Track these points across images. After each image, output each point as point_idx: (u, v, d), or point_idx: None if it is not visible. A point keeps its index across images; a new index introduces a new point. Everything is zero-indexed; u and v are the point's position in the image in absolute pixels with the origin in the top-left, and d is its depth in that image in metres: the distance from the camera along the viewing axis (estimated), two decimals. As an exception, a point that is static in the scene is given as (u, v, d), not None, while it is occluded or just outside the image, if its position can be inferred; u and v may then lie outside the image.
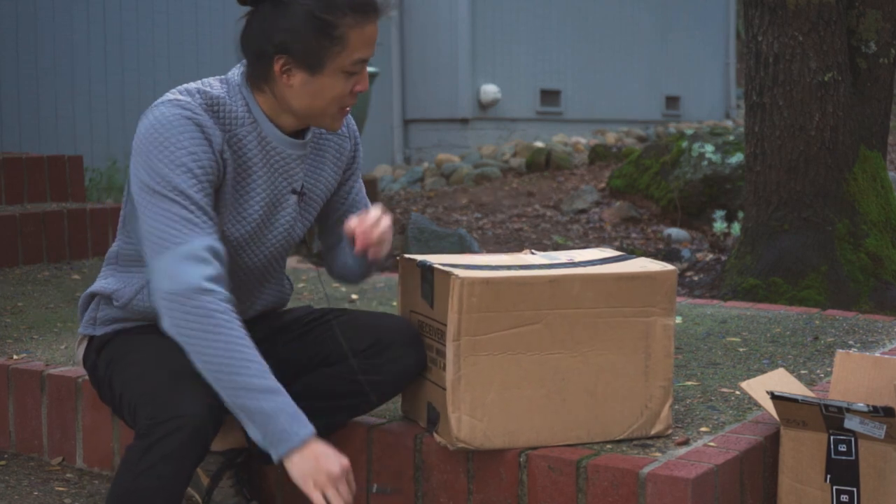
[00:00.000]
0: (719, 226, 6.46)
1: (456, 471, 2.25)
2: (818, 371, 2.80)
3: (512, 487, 2.18)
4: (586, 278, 2.16)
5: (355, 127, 2.37)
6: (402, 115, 10.34)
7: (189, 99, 2.09)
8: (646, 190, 7.30)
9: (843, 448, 2.14)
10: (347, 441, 2.39)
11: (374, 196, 7.20)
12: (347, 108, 2.17)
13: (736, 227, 6.25)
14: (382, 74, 9.09)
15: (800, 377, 2.70)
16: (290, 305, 2.48)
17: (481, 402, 2.14)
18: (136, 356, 2.16)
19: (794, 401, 2.15)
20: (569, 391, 2.18)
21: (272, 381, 1.98)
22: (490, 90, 10.29)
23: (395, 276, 4.18)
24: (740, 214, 5.94)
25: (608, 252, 2.37)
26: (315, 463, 1.96)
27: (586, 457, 2.13)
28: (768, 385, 2.29)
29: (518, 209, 7.75)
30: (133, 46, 7.68)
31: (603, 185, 7.96)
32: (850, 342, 3.12)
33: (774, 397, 2.17)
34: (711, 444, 2.20)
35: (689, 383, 2.68)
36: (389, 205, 7.95)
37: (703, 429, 2.31)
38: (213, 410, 1.99)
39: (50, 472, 2.75)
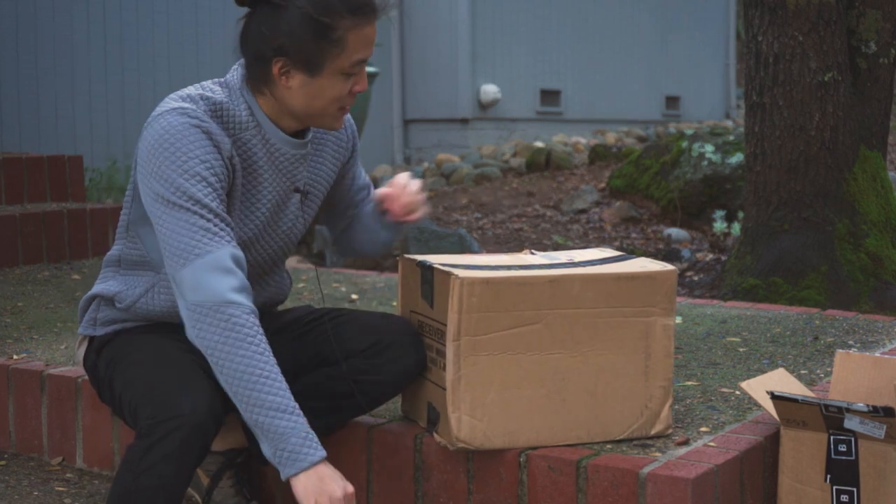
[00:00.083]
0: (719, 226, 6.46)
1: (456, 471, 2.25)
2: (818, 371, 2.80)
3: (512, 487, 2.18)
4: (586, 278, 2.16)
5: (350, 118, 2.38)
6: (402, 115, 10.34)
7: (194, 106, 2.09)
8: (646, 190, 7.30)
9: (843, 448, 2.15)
10: (347, 441, 2.39)
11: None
12: (347, 108, 2.17)
13: (736, 227, 6.25)
14: (382, 75, 9.09)
15: (800, 377, 2.70)
16: (290, 305, 2.49)
17: (481, 402, 2.14)
18: (137, 356, 2.17)
19: (794, 401, 2.15)
20: (569, 391, 2.18)
21: (289, 401, 1.99)
22: (490, 90, 10.29)
23: (395, 276, 4.18)
24: (740, 214, 5.94)
25: (608, 252, 2.37)
26: (320, 484, 1.97)
27: (586, 457, 2.13)
28: (768, 385, 2.29)
29: (518, 209, 7.75)
30: (133, 46, 7.68)
31: (603, 185, 7.96)
32: (850, 342, 3.12)
33: (774, 397, 2.17)
34: (711, 444, 2.20)
35: (689, 383, 2.68)
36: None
37: (703, 429, 2.31)
38: (214, 410, 2.00)
39: (50, 472, 2.75)
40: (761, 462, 2.25)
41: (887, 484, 2.12)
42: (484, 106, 10.33)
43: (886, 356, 2.30)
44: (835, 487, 2.16)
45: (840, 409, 2.10)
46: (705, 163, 6.99)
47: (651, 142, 9.60)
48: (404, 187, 2.33)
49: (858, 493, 2.15)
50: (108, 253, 2.30)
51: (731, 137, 7.15)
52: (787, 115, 4.30)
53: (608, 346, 2.19)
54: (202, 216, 2.03)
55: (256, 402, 1.98)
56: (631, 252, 5.76)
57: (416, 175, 9.31)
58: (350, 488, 2.00)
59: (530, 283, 2.14)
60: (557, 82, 11.13)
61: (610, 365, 2.19)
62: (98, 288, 2.27)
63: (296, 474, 1.97)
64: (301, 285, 4.12)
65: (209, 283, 2.00)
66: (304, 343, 2.32)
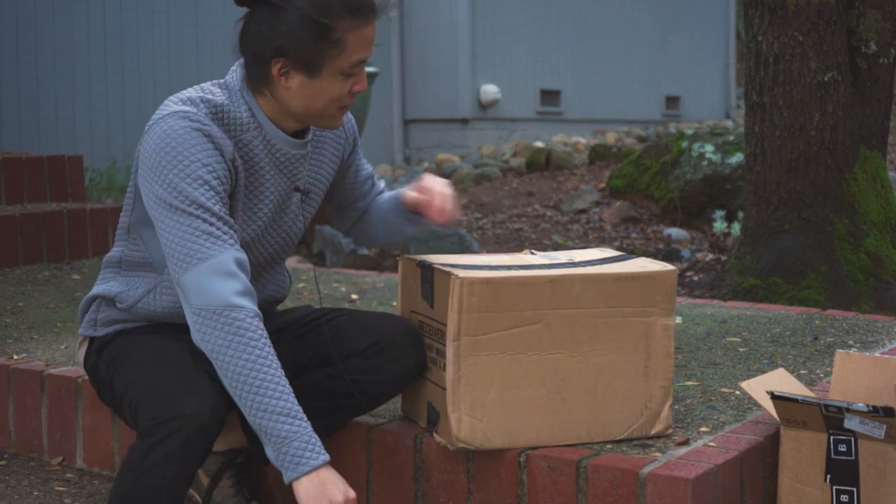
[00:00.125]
0: (719, 226, 6.46)
1: (456, 471, 2.25)
2: (818, 371, 2.80)
3: (512, 487, 2.18)
4: (586, 278, 2.16)
5: (349, 113, 2.38)
6: (402, 116, 10.34)
7: (194, 109, 2.09)
8: (646, 190, 7.30)
9: (843, 448, 2.15)
10: (347, 441, 2.39)
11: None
12: (347, 108, 2.18)
13: (736, 227, 6.25)
14: (382, 75, 9.09)
15: (800, 377, 2.70)
16: (290, 305, 2.49)
17: (481, 402, 2.14)
18: (138, 356, 2.17)
19: (794, 401, 2.15)
20: (569, 391, 2.18)
21: (293, 405, 2.00)
22: (490, 90, 10.29)
23: (395, 276, 4.18)
24: (740, 214, 5.94)
25: (608, 252, 2.37)
26: (321, 488, 1.98)
27: (586, 457, 2.13)
28: (768, 385, 2.29)
29: (518, 209, 7.75)
30: (133, 46, 7.68)
31: (603, 185, 7.96)
32: (850, 342, 3.12)
33: (774, 397, 2.17)
34: (711, 444, 2.20)
35: (689, 383, 2.68)
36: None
37: (703, 429, 2.31)
38: (217, 410, 2.00)
39: (50, 472, 2.75)
40: (761, 462, 2.25)
41: (887, 484, 2.12)
42: (484, 106, 10.33)
43: (886, 356, 2.30)
44: (835, 487, 2.16)
45: (840, 409, 2.10)
46: (705, 163, 6.99)
47: (651, 142, 9.60)
48: (440, 194, 2.30)
49: (858, 493, 2.15)
50: (108, 254, 2.30)
51: (731, 137, 7.15)
52: (787, 115, 4.30)
53: (608, 346, 2.19)
54: (205, 220, 2.03)
55: (260, 405, 1.98)
56: (631, 252, 5.76)
57: (416, 175, 9.30)
58: (352, 493, 2.00)
59: (530, 283, 2.14)
60: (557, 82, 11.13)
61: (610, 365, 2.19)
62: (99, 288, 2.27)
63: (298, 478, 1.98)
64: (301, 285, 4.12)
65: (213, 287, 2.00)
66: (303, 343, 2.32)
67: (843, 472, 2.15)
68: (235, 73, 2.19)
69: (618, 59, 11.77)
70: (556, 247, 6.38)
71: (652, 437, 2.24)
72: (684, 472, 2.04)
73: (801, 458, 2.19)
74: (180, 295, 2.05)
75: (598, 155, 9.36)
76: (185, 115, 2.07)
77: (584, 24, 11.38)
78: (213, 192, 2.05)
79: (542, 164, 9.25)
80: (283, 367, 2.09)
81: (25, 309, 3.67)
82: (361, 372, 2.24)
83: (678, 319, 3.39)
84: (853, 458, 2.14)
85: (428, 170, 9.57)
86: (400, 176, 9.64)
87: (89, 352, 2.29)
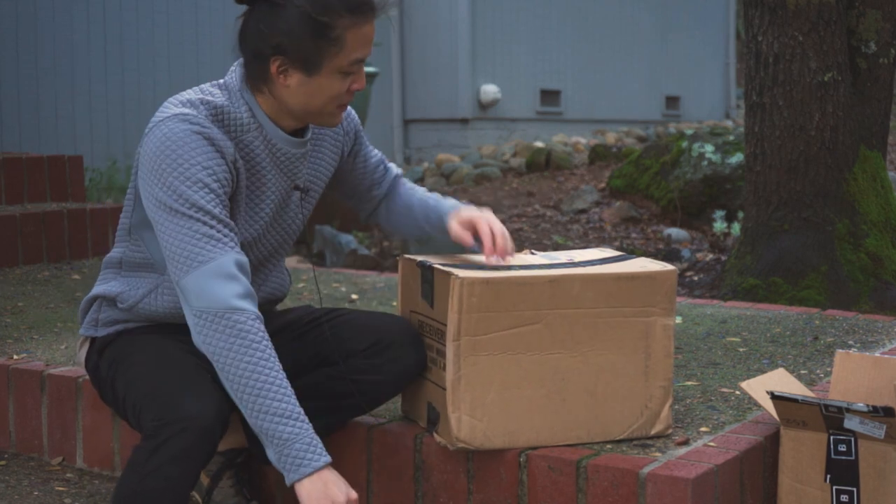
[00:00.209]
0: (719, 226, 6.46)
1: (456, 471, 2.25)
2: (818, 371, 2.80)
3: (512, 487, 2.18)
4: (586, 278, 2.16)
5: (350, 109, 2.38)
6: (402, 115, 10.34)
7: (194, 112, 2.09)
8: (646, 190, 7.30)
9: (843, 448, 2.15)
10: (347, 441, 2.39)
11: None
12: (345, 106, 2.18)
13: (736, 227, 6.25)
14: (382, 74, 9.09)
15: (800, 377, 2.70)
16: (290, 305, 2.49)
17: (481, 402, 2.14)
18: (140, 357, 2.17)
19: (794, 401, 2.15)
20: (569, 391, 2.18)
21: (294, 406, 2.00)
22: (490, 90, 10.29)
23: (395, 276, 4.18)
24: (740, 214, 5.94)
25: (608, 252, 2.37)
26: (323, 489, 1.98)
27: (586, 457, 2.13)
28: (768, 385, 2.29)
29: (518, 209, 7.75)
30: (133, 46, 7.68)
31: (603, 185, 7.96)
32: (850, 342, 3.12)
33: (774, 397, 2.17)
34: (711, 444, 2.20)
35: (689, 383, 2.68)
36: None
37: (703, 429, 2.31)
38: (221, 411, 2.00)
39: (50, 472, 2.75)
40: (761, 462, 2.25)
41: (887, 484, 2.12)
42: (484, 106, 10.33)
43: (886, 356, 2.30)
44: (835, 487, 2.16)
45: (840, 409, 2.10)
46: (705, 163, 6.99)
47: (651, 142, 9.60)
48: (501, 236, 2.22)
49: (858, 493, 2.15)
50: (109, 255, 2.30)
51: (731, 137, 7.15)
52: (787, 115, 4.30)
53: (608, 346, 2.19)
54: (205, 223, 2.03)
55: (262, 408, 1.98)
56: (631, 252, 5.76)
57: (416, 175, 9.31)
58: (353, 494, 2.00)
59: (530, 283, 2.14)
60: (557, 82, 11.13)
61: (610, 365, 2.19)
62: (99, 288, 2.27)
63: (300, 479, 1.98)
64: (301, 285, 4.12)
65: (213, 290, 2.00)
66: (303, 343, 2.32)
67: (843, 472, 2.15)
68: (235, 73, 2.19)
69: (618, 59, 11.77)
70: (556, 247, 6.39)
71: (652, 437, 2.24)
72: (684, 472, 2.04)
73: (801, 458, 2.19)
74: (181, 297, 2.05)
75: (598, 155, 9.36)
76: (185, 117, 2.07)
77: (584, 24, 11.38)
78: (213, 195, 2.05)
79: (542, 164, 9.25)
80: (283, 367, 2.10)
81: (25, 309, 3.67)
82: (361, 372, 2.24)
83: (678, 319, 3.39)
84: (853, 458, 2.14)
85: (428, 170, 9.57)
86: (400, 176, 9.63)
87: (90, 352, 2.29)
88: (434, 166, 9.75)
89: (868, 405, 2.08)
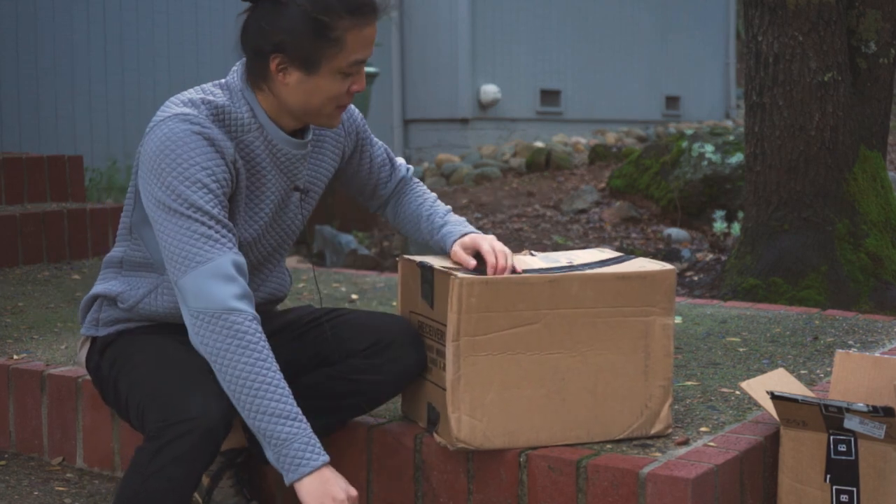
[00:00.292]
0: (719, 226, 6.46)
1: (456, 471, 2.25)
2: (818, 371, 2.80)
3: (512, 487, 2.18)
4: (585, 278, 2.16)
5: (353, 108, 2.38)
6: (402, 115, 10.34)
7: (195, 112, 2.09)
8: (646, 190, 7.30)
9: (842, 448, 2.15)
10: (347, 441, 2.39)
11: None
12: (344, 107, 2.17)
13: (736, 227, 6.25)
14: (382, 74, 9.09)
15: (800, 377, 2.70)
16: (290, 305, 2.49)
17: (481, 402, 2.14)
18: (142, 357, 2.17)
19: (794, 401, 2.15)
20: (568, 391, 2.18)
21: (292, 407, 2.00)
22: (490, 90, 10.29)
23: (395, 276, 4.18)
24: (740, 214, 5.94)
25: (607, 253, 2.37)
26: (323, 487, 1.98)
27: (586, 457, 2.13)
28: (768, 385, 2.29)
29: (518, 209, 7.76)
30: (133, 46, 7.68)
31: (603, 185, 7.96)
32: (850, 342, 3.12)
33: (774, 397, 2.17)
34: (711, 444, 2.20)
35: (689, 383, 2.68)
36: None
37: (703, 429, 2.31)
38: (225, 412, 2.00)
39: (50, 472, 2.75)
40: (761, 462, 2.25)
41: (887, 484, 2.12)
42: (484, 106, 10.33)
43: (886, 356, 2.30)
44: (835, 487, 2.16)
45: (840, 409, 2.10)
46: (705, 163, 6.99)
47: (651, 142, 9.60)
48: (502, 256, 2.19)
49: (858, 493, 2.15)
50: (109, 254, 2.30)
51: (731, 137, 7.15)
52: (787, 115, 4.30)
53: (608, 345, 2.19)
54: (203, 223, 2.03)
55: (259, 408, 1.98)
56: (631, 252, 5.76)
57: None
58: (353, 491, 2.00)
59: (530, 283, 2.14)
60: (557, 82, 11.13)
61: (609, 365, 2.19)
62: (100, 288, 2.27)
63: (299, 479, 1.98)
64: (301, 285, 4.12)
65: (211, 291, 2.00)
66: (303, 343, 2.32)
67: (843, 472, 2.15)
68: (236, 73, 2.19)
69: (618, 59, 11.78)
70: (556, 247, 6.39)
71: (652, 437, 2.24)
72: (684, 472, 2.04)
73: (801, 458, 2.19)
74: (178, 297, 2.05)
75: (598, 155, 9.36)
76: (186, 117, 2.07)
77: (584, 24, 11.38)
78: (212, 196, 2.05)
79: (542, 164, 9.25)
80: (283, 366, 2.09)
81: (25, 309, 3.67)
82: (361, 372, 2.24)
83: (678, 319, 3.39)
84: (853, 458, 2.14)
85: (428, 170, 9.57)
86: (400, 176, 9.63)
87: (91, 352, 2.29)
88: (434, 166, 9.75)
89: (868, 405, 2.08)
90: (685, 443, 2.21)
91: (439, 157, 9.86)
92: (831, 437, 2.15)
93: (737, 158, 6.84)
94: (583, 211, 7.46)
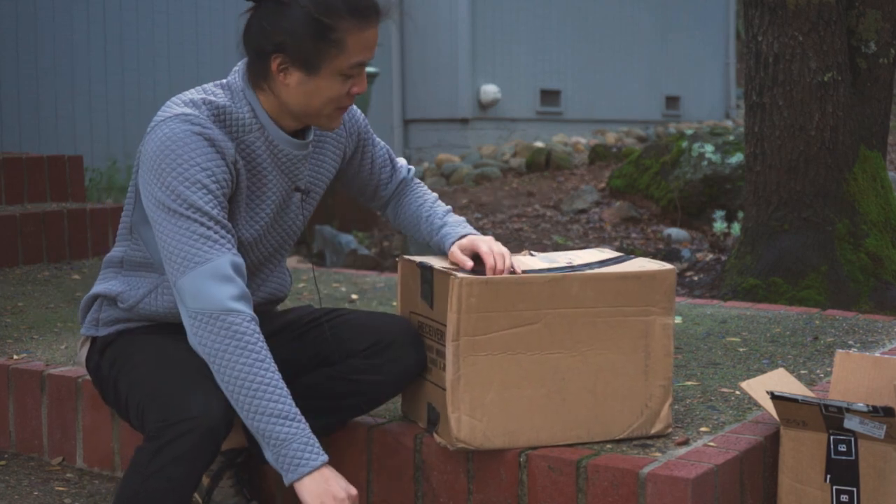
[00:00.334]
0: (719, 226, 6.46)
1: (456, 471, 2.25)
2: (818, 371, 2.80)
3: (512, 487, 2.18)
4: (585, 278, 2.16)
5: (356, 109, 2.38)
6: (402, 115, 10.34)
7: (196, 112, 2.09)
8: (646, 190, 7.30)
9: (843, 448, 2.15)
10: (347, 441, 2.39)
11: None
12: (345, 109, 2.17)
13: (736, 227, 6.25)
14: (382, 74, 9.09)
15: (800, 377, 2.70)
16: (290, 305, 2.49)
17: (481, 401, 2.14)
18: (142, 357, 2.17)
19: (794, 401, 2.15)
20: (569, 391, 2.18)
21: (290, 407, 2.00)
22: (490, 90, 10.29)
23: (395, 276, 4.18)
24: (740, 214, 5.94)
25: (607, 253, 2.37)
26: (324, 486, 1.98)
27: (586, 457, 2.13)
28: (768, 385, 2.29)
29: (518, 209, 7.76)
30: (133, 46, 7.68)
31: (603, 185, 7.96)
32: (850, 342, 3.12)
33: (774, 397, 2.17)
34: (711, 444, 2.20)
35: (689, 383, 2.68)
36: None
37: (703, 429, 2.31)
38: (225, 411, 2.01)
39: (50, 472, 2.75)
40: (761, 462, 2.25)
41: (887, 484, 2.12)
42: (484, 106, 10.33)
43: (886, 356, 2.30)
44: (835, 487, 2.16)
45: (840, 409, 2.10)
46: (705, 163, 6.99)
47: (651, 142, 9.60)
48: (500, 258, 2.19)
49: (858, 493, 2.15)
50: (109, 254, 2.30)
51: (731, 137, 7.15)
52: (787, 115, 4.30)
53: (608, 345, 2.19)
54: (202, 224, 2.03)
55: (258, 409, 1.99)
56: (630, 252, 5.76)
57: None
58: (353, 490, 2.01)
59: (529, 283, 2.14)
60: (557, 82, 11.13)
61: (610, 364, 2.19)
62: (100, 287, 2.27)
63: (299, 479, 1.98)
64: (301, 285, 4.12)
65: (209, 291, 2.00)
66: (303, 343, 2.32)
67: (843, 472, 2.15)
68: (238, 73, 2.19)
69: (618, 59, 11.78)
70: (556, 247, 6.39)
71: (652, 437, 2.24)
72: (684, 472, 2.04)
73: (801, 458, 2.19)
74: (177, 298, 2.05)
75: (598, 155, 9.36)
76: (187, 118, 2.08)
77: (584, 24, 11.38)
78: (211, 197, 2.05)
79: (542, 164, 9.25)
80: (283, 366, 2.09)
81: (25, 309, 3.67)
82: (361, 372, 2.24)
83: (678, 319, 3.39)
84: (853, 458, 2.14)
85: (428, 170, 9.57)
86: (400, 176, 9.62)
87: (91, 352, 2.29)
88: (434, 166, 9.75)
89: (868, 405, 2.08)
90: (685, 443, 2.21)
91: (439, 157, 9.86)
92: (831, 437, 2.15)
93: (737, 158, 6.84)
94: (583, 211, 7.46)
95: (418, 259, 2.28)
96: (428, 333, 2.24)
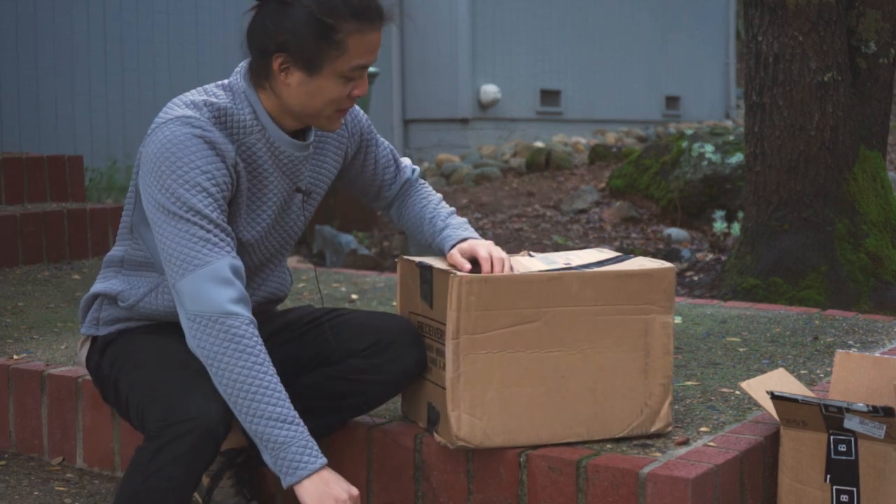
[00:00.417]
0: (719, 226, 6.46)
1: (456, 471, 2.25)
2: (818, 371, 2.80)
3: (512, 487, 2.18)
4: (585, 276, 2.16)
5: (358, 110, 2.38)
6: (402, 115, 10.34)
7: (197, 114, 2.09)
8: (646, 190, 7.30)
9: (842, 448, 2.15)
10: (347, 441, 2.39)
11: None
12: (345, 111, 2.17)
13: (736, 227, 6.25)
14: (382, 74, 9.09)
15: (800, 377, 2.70)
16: (290, 305, 2.49)
17: (480, 400, 2.14)
18: (142, 356, 2.17)
19: (794, 401, 2.15)
20: (568, 389, 2.18)
21: (288, 411, 2.00)
22: (490, 90, 10.29)
23: (395, 276, 4.18)
24: (740, 214, 5.94)
25: (606, 253, 2.37)
26: (325, 488, 1.99)
27: (586, 457, 2.13)
28: (768, 385, 2.29)
29: (518, 209, 7.76)
30: (133, 46, 7.68)
31: (603, 185, 7.96)
32: (850, 342, 3.12)
33: (774, 397, 2.17)
34: (711, 444, 2.20)
35: (689, 383, 2.68)
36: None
37: (703, 429, 2.31)
38: (225, 412, 2.01)
39: (50, 472, 2.75)
40: (761, 462, 2.25)
41: (887, 484, 2.12)
42: (484, 106, 10.33)
43: (886, 356, 2.30)
44: (835, 487, 2.16)
45: (840, 409, 2.10)
46: (705, 163, 6.99)
47: (651, 142, 9.60)
48: (499, 262, 2.19)
49: (858, 493, 2.15)
50: (110, 253, 2.30)
51: (731, 137, 7.15)
52: (787, 115, 4.30)
53: (607, 343, 2.19)
54: (202, 227, 2.03)
55: (256, 412, 1.99)
56: (630, 252, 5.76)
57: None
58: (354, 491, 2.01)
59: (529, 282, 2.14)
60: (557, 82, 11.13)
61: (609, 362, 2.19)
62: (100, 286, 2.27)
63: (299, 481, 1.98)
64: (301, 285, 4.12)
65: (208, 294, 2.01)
66: (304, 343, 2.32)
67: (843, 472, 2.15)
68: (239, 73, 2.19)
69: (618, 59, 11.78)
70: (556, 247, 6.39)
71: (652, 436, 2.24)
72: (684, 472, 2.04)
73: (801, 458, 2.19)
74: (176, 300, 2.05)
75: (598, 155, 9.36)
76: (188, 120, 2.08)
77: (584, 24, 11.38)
78: (211, 200, 2.05)
79: (542, 164, 9.25)
80: (283, 366, 2.09)
81: (25, 309, 3.67)
82: (361, 371, 2.24)
83: (678, 319, 3.39)
84: (853, 458, 2.14)
85: (428, 170, 9.57)
86: (400, 176, 9.62)
87: (92, 351, 2.29)
88: (434, 166, 9.75)
89: (868, 405, 2.08)
90: (685, 443, 2.21)
91: (439, 157, 9.86)
92: (831, 437, 2.15)
93: (737, 158, 6.84)
94: (583, 211, 7.46)
95: (417, 259, 2.28)
96: (428, 333, 2.24)
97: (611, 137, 11.04)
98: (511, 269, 2.18)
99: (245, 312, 2.02)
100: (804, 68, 4.25)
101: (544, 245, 6.52)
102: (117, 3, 7.58)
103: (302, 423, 2.01)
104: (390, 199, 2.47)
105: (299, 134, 2.24)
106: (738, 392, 2.58)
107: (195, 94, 2.15)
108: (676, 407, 2.45)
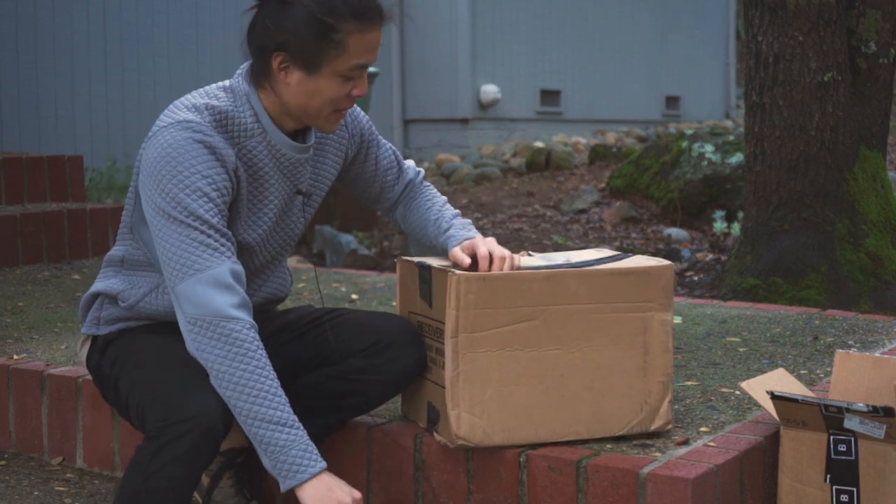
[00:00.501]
0: (719, 226, 6.46)
1: (456, 470, 2.25)
2: (818, 371, 2.80)
3: (512, 487, 2.18)
4: (583, 274, 2.17)
5: (359, 111, 2.38)
6: (402, 115, 10.34)
7: (198, 118, 2.09)
8: (646, 190, 7.30)
9: (842, 448, 2.15)
10: (347, 441, 2.39)
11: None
12: (344, 112, 2.17)
13: (736, 227, 6.25)
14: (382, 74, 9.09)
15: (800, 377, 2.70)
16: (290, 305, 2.49)
17: (480, 398, 2.14)
18: (143, 356, 2.17)
19: (794, 401, 2.15)
20: (567, 387, 2.18)
21: (289, 414, 2.01)
22: (490, 90, 10.29)
23: (395, 276, 4.18)
24: (740, 214, 5.94)
25: (605, 252, 2.37)
26: (328, 492, 1.99)
27: (586, 457, 2.13)
28: (768, 385, 2.29)
29: (518, 209, 7.76)
30: (133, 46, 7.68)
31: (603, 185, 7.96)
32: (850, 342, 3.12)
33: (774, 397, 2.17)
34: (711, 444, 2.20)
35: (689, 383, 2.68)
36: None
37: (703, 429, 2.31)
38: (224, 411, 2.01)
39: (50, 472, 2.75)
40: (761, 462, 2.25)
41: (887, 484, 2.12)
42: (484, 106, 10.33)
43: (886, 356, 2.30)
44: (835, 487, 2.16)
45: (840, 409, 2.10)
46: (705, 163, 6.99)
47: (651, 142, 9.60)
48: (500, 259, 2.18)
49: (858, 493, 2.15)
50: (110, 253, 2.31)
51: (731, 137, 7.15)
52: (787, 115, 4.30)
53: (606, 341, 2.19)
54: (202, 231, 2.04)
55: (256, 415, 1.99)
56: (630, 252, 5.76)
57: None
58: (357, 494, 2.01)
59: (527, 280, 2.14)
60: (557, 82, 11.13)
61: (608, 361, 2.19)
62: (100, 285, 2.27)
63: (300, 485, 1.98)
64: (301, 285, 4.12)
65: (208, 299, 2.01)
66: (304, 343, 2.32)
67: (843, 472, 2.15)
68: (241, 75, 2.19)
69: (618, 59, 11.78)
70: (556, 247, 6.39)
71: (652, 434, 2.24)
72: (684, 472, 2.04)
73: (801, 458, 2.19)
74: (175, 304, 2.05)
75: (598, 155, 9.36)
76: (189, 125, 2.08)
77: (584, 24, 11.38)
78: (211, 205, 2.06)
79: (542, 164, 9.25)
80: (284, 366, 2.09)
81: (25, 309, 3.67)
82: (361, 371, 2.24)
83: (678, 319, 3.39)
84: (853, 458, 2.14)
85: (428, 170, 9.57)
86: (400, 176, 9.62)
87: (92, 350, 2.29)
88: (434, 166, 9.75)
89: (868, 405, 2.08)
90: (685, 443, 2.21)
91: (439, 157, 9.86)
92: (831, 437, 2.15)
93: (737, 158, 6.84)
94: (583, 211, 7.47)
95: (416, 259, 2.28)
96: (427, 332, 2.24)
97: (611, 137, 11.04)
98: (518, 267, 2.18)
99: (246, 317, 2.03)
100: (804, 68, 4.25)
101: (544, 245, 6.52)
102: (117, 3, 7.58)
103: (301, 427, 2.02)
104: (393, 202, 2.47)
105: (299, 135, 2.24)
106: (738, 392, 2.58)
107: (196, 97, 2.15)
108: (676, 407, 2.45)
